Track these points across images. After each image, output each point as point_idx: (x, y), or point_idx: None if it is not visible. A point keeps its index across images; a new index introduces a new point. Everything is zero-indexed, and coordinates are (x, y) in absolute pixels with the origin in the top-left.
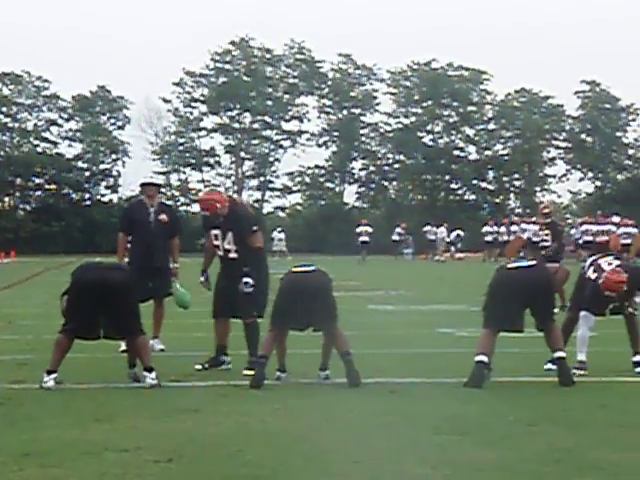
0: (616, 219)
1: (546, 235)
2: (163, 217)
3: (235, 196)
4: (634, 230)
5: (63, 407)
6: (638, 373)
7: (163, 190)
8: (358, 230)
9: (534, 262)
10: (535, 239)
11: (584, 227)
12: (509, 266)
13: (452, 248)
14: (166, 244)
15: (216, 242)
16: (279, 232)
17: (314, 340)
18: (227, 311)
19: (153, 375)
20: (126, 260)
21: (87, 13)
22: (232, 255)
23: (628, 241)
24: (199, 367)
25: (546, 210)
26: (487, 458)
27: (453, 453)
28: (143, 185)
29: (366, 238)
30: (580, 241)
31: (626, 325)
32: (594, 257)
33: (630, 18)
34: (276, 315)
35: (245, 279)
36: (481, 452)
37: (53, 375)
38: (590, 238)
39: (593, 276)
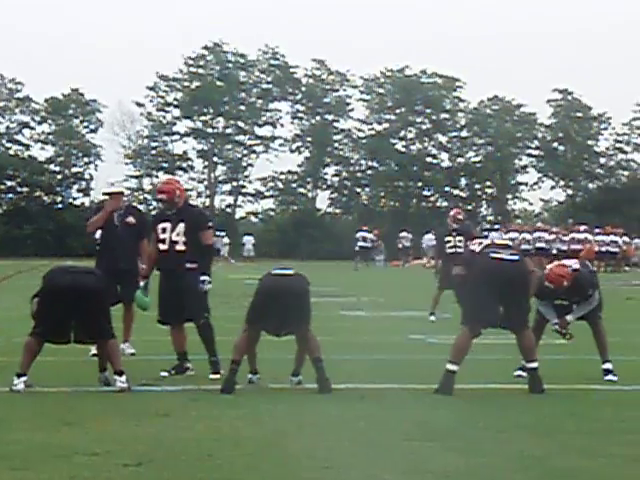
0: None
1: (459, 241)
2: (130, 219)
3: None
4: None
5: (33, 410)
6: (607, 381)
7: (135, 194)
8: (357, 235)
9: (518, 256)
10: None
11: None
12: (492, 255)
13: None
14: (134, 247)
15: (162, 235)
16: (249, 237)
17: (286, 345)
18: (177, 316)
19: (123, 379)
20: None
21: (60, 16)
22: (179, 247)
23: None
24: (165, 374)
25: (459, 216)
26: (457, 464)
27: (423, 459)
28: (107, 194)
29: (365, 244)
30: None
31: (593, 334)
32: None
33: (602, 28)
34: (252, 315)
35: (202, 277)
36: (451, 458)
37: (23, 378)
38: (565, 247)
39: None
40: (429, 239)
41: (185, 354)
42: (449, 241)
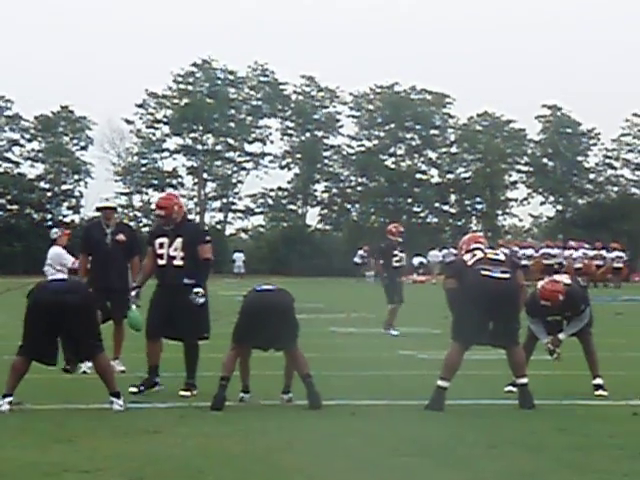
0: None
1: (403, 256)
2: (120, 237)
3: None
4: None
5: (22, 428)
6: (598, 396)
7: (125, 211)
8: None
9: (508, 274)
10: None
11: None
12: (483, 272)
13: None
14: (125, 264)
15: (160, 251)
16: (239, 254)
17: (276, 361)
18: (164, 331)
19: (120, 402)
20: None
21: (50, 34)
22: (177, 262)
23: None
24: (134, 390)
25: (402, 229)
26: None
27: (414, 475)
28: (99, 209)
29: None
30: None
31: (583, 349)
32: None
33: (592, 44)
34: (238, 334)
35: (196, 289)
36: (441, 474)
37: (8, 399)
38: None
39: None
40: (435, 255)
41: (157, 368)
42: (395, 255)
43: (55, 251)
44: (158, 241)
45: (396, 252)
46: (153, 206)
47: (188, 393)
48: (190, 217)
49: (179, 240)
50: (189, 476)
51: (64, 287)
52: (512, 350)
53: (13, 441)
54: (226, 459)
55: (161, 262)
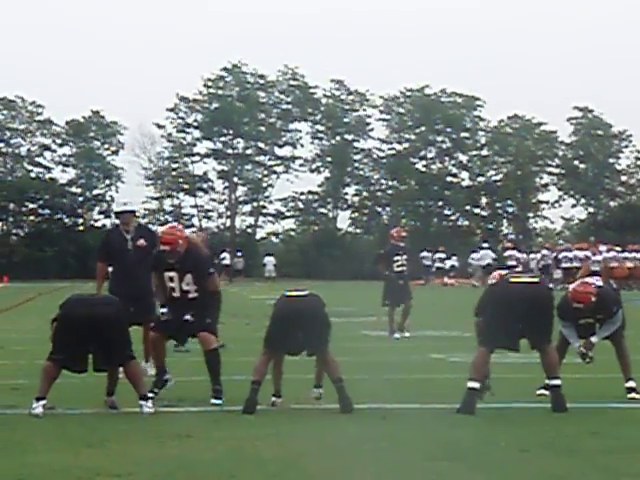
0: (603, 247)
1: (405, 260)
2: (141, 242)
3: (190, 233)
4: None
5: (55, 432)
6: (630, 399)
7: (157, 215)
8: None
9: (536, 279)
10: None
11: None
12: (511, 279)
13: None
14: (148, 268)
15: (171, 284)
16: (270, 258)
17: (307, 365)
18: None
19: (150, 404)
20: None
21: (81, 39)
22: (192, 295)
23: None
24: (151, 395)
25: (404, 234)
26: None
27: (445, 479)
28: (117, 213)
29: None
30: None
31: (616, 352)
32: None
33: (622, 46)
34: (269, 339)
35: (186, 316)
36: (473, 478)
37: (42, 402)
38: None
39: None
40: (477, 258)
41: (164, 365)
42: (397, 260)
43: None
44: (168, 274)
45: (397, 257)
46: (159, 241)
47: (219, 401)
48: (193, 239)
49: (189, 276)
50: None
51: (96, 300)
52: (545, 351)
53: (45, 445)
54: (258, 463)
55: (175, 294)
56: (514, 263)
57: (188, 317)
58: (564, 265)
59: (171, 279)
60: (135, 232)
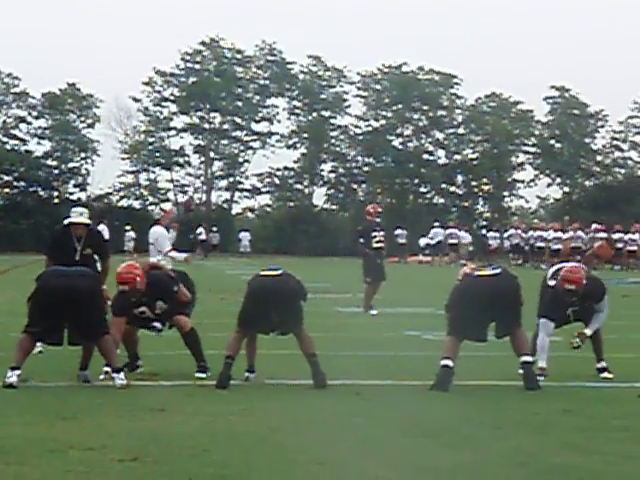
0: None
1: (382, 236)
2: (88, 251)
3: (144, 263)
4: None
5: (28, 405)
6: (603, 378)
7: (132, 189)
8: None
9: (500, 269)
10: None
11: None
12: (475, 274)
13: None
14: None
15: (143, 316)
16: (245, 233)
17: (281, 341)
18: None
19: (122, 375)
20: None
21: (57, 11)
22: (158, 311)
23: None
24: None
25: (380, 210)
26: (452, 461)
27: (418, 455)
28: (73, 223)
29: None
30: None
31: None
32: (558, 266)
33: (600, 25)
34: (243, 318)
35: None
36: (446, 455)
37: (17, 371)
38: (559, 247)
39: (552, 283)
40: (430, 237)
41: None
42: (375, 236)
43: (159, 232)
44: (138, 311)
45: (375, 233)
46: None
47: (204, 374)
48: (150, 266)
49: (160, 303)
50: (194, 454)
51: (73, 271)
52: (515, 333)
53: (19, 418)
54: (231, 438)
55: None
56: (455, 242)
57: (143, 309)
58: (538, 244)
59: (142, 313)
60: (85, 240)
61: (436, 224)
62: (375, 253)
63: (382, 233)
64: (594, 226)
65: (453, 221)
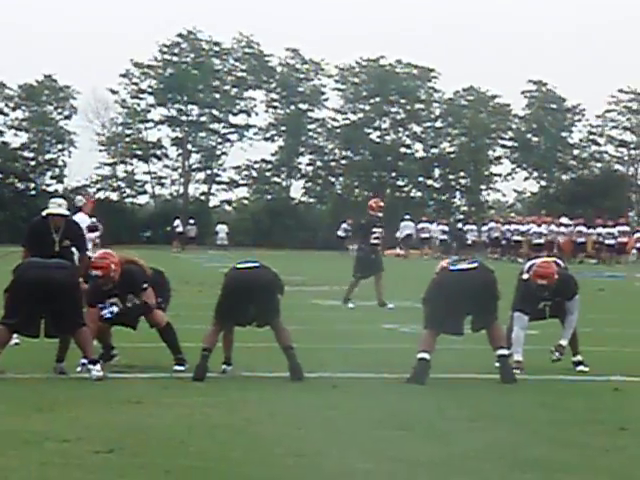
0: (565, 220)
1: (381, 232)
2: (66, 243)
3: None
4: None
5: (4, 396)
6: (579, 371)
7: (109, 181)
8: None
9: (476, 263)
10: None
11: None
12: (451, 268)
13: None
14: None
15: (115, 308)
16: (222, 226)
17: (258, 334)
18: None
19: (98, 367)
20: None
21: (34, 2)
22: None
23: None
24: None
25: (382, 204)
26: (428, 453)
27: (395, 448)
28: (51, 214)
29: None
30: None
31: (564, 325)
32: (533, 261)
33: (578, 20)
34: (220, 311)
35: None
36: (422, 447)
37: None
38: (541, 241)
39: (525, 277)
40: (436, 230)
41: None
42: (374, 232)
43: (82, 219)
44: (110, 301)
45: (375, 229)
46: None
47: (182, 367)
48: (126, 259)
49: (131, 296)
50: (170, 446)
51: (51, 263)
52: (491, 326)
53: None
54: (207, 430)
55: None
56: (427, 236)
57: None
58: (514, 238)
59: (113, 303)
60: (63, 232)
61: (406, 217)
62: (371, 248)
63: (381, 229)
64: (562, 220)
65: (427, 215)
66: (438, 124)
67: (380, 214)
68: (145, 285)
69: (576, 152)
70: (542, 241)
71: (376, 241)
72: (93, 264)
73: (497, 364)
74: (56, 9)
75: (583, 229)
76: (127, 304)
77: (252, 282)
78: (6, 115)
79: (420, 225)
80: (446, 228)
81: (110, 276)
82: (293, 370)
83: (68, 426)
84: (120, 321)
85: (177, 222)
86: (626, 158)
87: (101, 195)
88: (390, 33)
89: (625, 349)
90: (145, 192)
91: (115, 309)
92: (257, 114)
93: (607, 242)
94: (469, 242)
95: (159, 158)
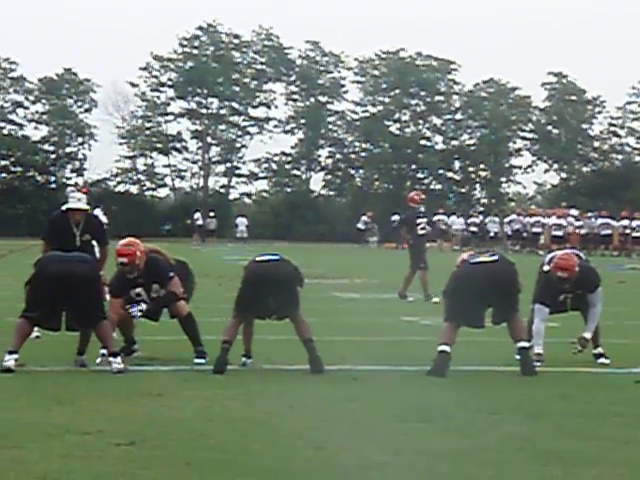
0: (574, 212)
1: (427, 223)
2: (86, 237)
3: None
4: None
5: (25, 389)
6: (600, 364)
7: (129, 174)
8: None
9: (496, 256)
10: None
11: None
12: (472, 261)
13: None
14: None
15: (138, 299)
16: (242, 219)
17: (278, 326)
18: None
19: (119, 360)
20: None
21: None
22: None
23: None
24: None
25: (423, 196)
26: (449, 446)
27: (415, 441)
28: (71, 209)
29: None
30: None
31: (585, 317)
32: (554, 253)
33: (598, 11)
34: (240, 304)
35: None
36: (443, 440)
37: (14, 355)
38: (560, 233)
39: (546, 268)
40: (458, 222)
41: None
42: (419, 223)
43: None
44: (134, 292)
45: (419, 220)
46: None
47: (203, 360)
48: (151, 249)
49: (156, 286)
50: (190, 439)
51: (72, 257)
52: (512, 319)
53: (15, 402)
54: (227, 422)
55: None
56: (444, 227)
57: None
58: (533, 230)
59: (138, 295)
60: (83, 226)
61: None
62: (419, 240)
63: (426, 220)
64: (571, 212)
65: (445, 207)
66: (458, 116)
67: (421, 207)
68: (171, 274)
69: (597, 144)
70: (561, 233)
71: (423, 232)
72: (118, 251)
73: (517, 356)
74: (76, 3)
75: (610, 222)
76: (151, 294)
77: (272, 275)
78: (26, 108)
79: (436, 217)
80: (466, 221)
81: (135, 264)
82: (313, 363)
83: (89, 419)
84: (143, 314)
85: (197, 215)
86: None
87: (121, 188)
88: (410, 25)
89: None
90: (165, 185)
91: (143, 306)
92: (277, 107)
93: (634, 235)
94: (492, 235)
95: (179, 151)
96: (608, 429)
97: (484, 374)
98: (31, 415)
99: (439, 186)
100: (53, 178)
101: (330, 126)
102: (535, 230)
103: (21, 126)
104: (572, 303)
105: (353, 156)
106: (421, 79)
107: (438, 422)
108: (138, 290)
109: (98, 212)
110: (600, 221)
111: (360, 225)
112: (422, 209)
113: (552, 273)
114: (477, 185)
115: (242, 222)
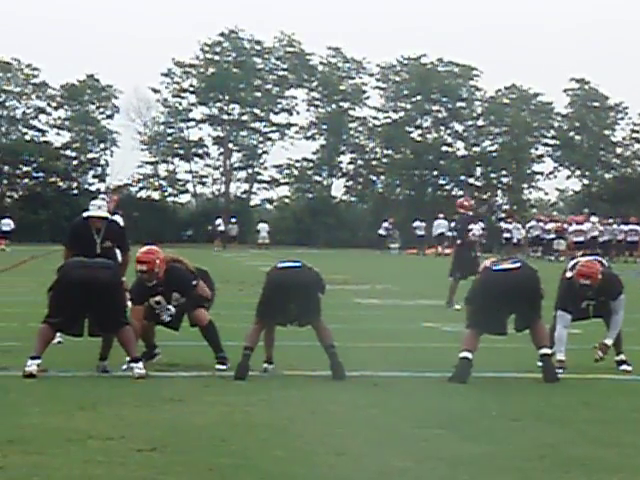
0: (594, 219)
1: (480, 229)
2: (107, 244)
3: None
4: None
5: (47, 394)
6: (622, 371)
7: (151, 180)
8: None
9: (519, 263)
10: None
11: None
12: (494, 268)
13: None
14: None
15: (157, 307)
16: (263, 225)
17: (299, 333)
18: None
19: (140, 365)
20: None
21: (78, 1)
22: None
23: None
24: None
25: (472, 202)
26: (470, 452)
27: (436, 447)
28: (92, 217)
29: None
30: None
31: (607, 324)
32: (577, 260)
33: (620, 17)
34: (261, 310)
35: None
36: (464, 446)
37: (37, 361)
38: (582, 239)
39: (569, 275)
40: (434, 227)
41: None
42: (471, 229)
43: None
44: (154, 300)
45: (472, 225)
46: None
47: (224, 367)
48: (171, 257)
49: (176, 295)
50: (212, 445)
51: (94, 263)
52: (535, 325)
53: (38, 407)
54: (249, 429)
55: (166, 318)
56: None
57: (159, 298)
58: (551, 236)
59: (157, 303)
60: (104, 232)
61: (440, 215)
62: (468, 246)
63: (478, 226)
64: (592, 219)
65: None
66: (480, 122)
67: (471, 212)
68: (195, 282)
69: (619, 150)
70: (582, 239)
71: (474, 238)
72: (138, 258)
73: (540, 363)
74: (98, 9)
75: (638, 228)
76: (172, 303)
77: (293, 282)
78: (49, 114)
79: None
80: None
81: (154, 272)
82: (334, 369)
83: (111, 424)
84: (165, 324)
85: (219, 221)
86: None
87: (143, 194)
88: (432, 31)
89: None
90: (187, 191)
91: (172, 309)
92: (298, 113)
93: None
94: (515, 241)
95: (201, 157)
96: (630, 436)
97: (506, 381)
98: (53, 420)
99: (461, 192)
100: (75, 184)
101: (352, 132)
102: (552, 236)
103: (43, 132)
104: (594, 310)
105: (374, 162)
106: (443, 85)
107: (459, 428)
108: (158, 298)
109: (117, 218)
110: (627, 227)
111: (381, 231)
112: (472, 215)
113: (575, 280)
114: (499, 191)
115: (263, 228)
